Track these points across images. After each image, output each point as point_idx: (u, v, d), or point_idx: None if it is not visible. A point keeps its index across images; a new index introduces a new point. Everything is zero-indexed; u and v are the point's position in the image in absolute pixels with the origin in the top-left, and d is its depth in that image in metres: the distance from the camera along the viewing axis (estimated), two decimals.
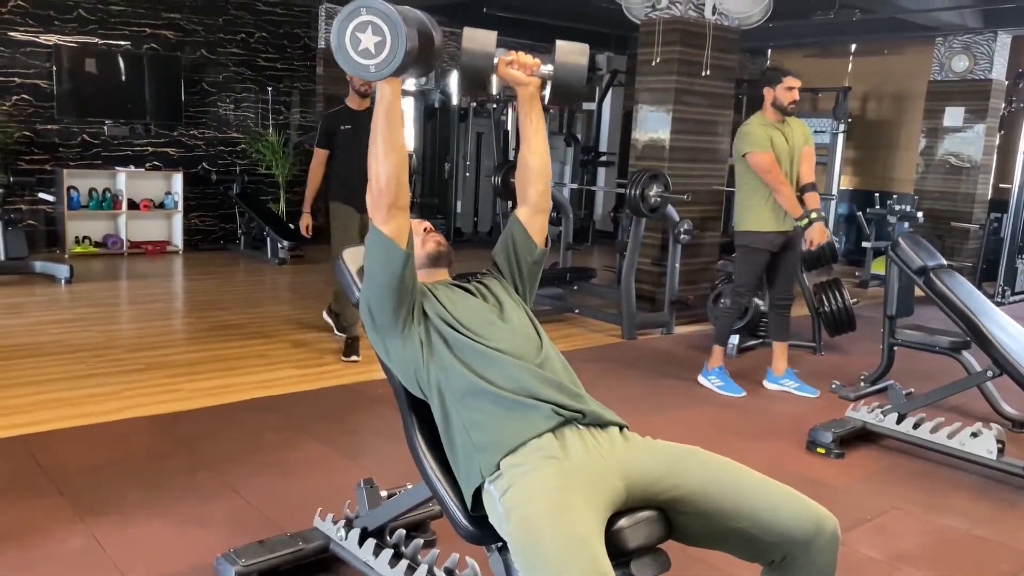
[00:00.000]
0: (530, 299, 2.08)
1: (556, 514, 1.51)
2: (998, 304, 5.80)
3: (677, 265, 5.74)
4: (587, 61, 2.00)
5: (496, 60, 1.95)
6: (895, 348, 4.33)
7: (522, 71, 1.97)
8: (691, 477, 1.67)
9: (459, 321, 1.83)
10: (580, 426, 1.72)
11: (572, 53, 1.97)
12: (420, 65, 1.73)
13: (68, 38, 7.44)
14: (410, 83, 9.66)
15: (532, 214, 2.06)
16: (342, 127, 4.75)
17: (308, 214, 4.94)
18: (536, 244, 2.07)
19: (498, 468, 1.64)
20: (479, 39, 1.91)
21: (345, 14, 1.58)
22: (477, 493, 1.69)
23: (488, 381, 1.73)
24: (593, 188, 10.66)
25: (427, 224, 2.09)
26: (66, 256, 7.38)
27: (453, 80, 10.22)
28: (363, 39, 1.57)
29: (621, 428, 1.79)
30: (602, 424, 1.75)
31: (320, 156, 4.82)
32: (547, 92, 2.00)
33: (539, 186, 2.05)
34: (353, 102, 4.82)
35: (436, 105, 9.89)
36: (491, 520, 1.65)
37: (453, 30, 9.98)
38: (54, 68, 7.35)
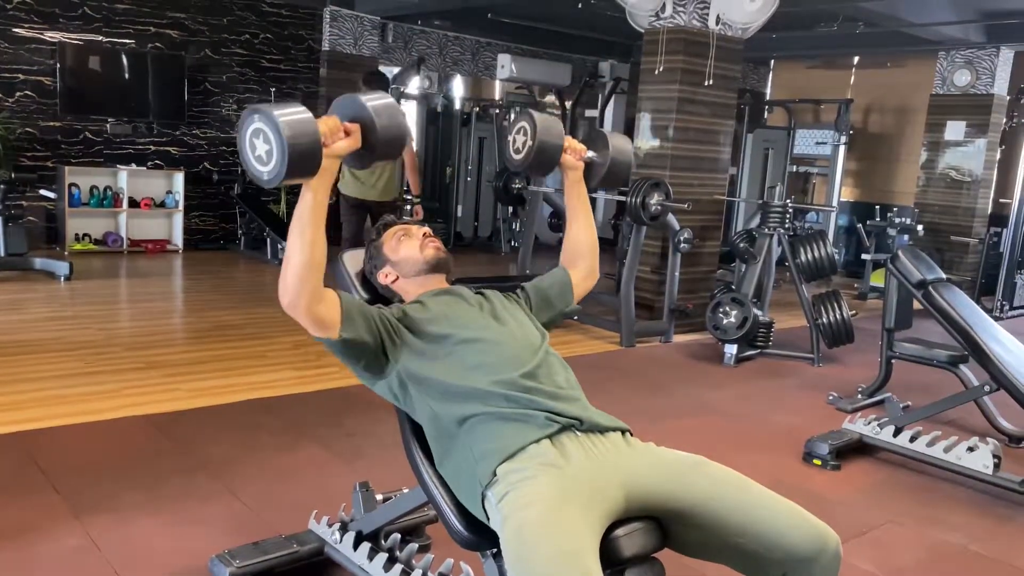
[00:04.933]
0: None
1: (549, 526, 1.50)
2: (996, 319, 5.79)
3: (676, 274, 5.75)
4: (632, 151, 2.18)
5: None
6: (893, 361, 4.33)
7: (573, 156, 2.07)
8: (695, 489, 1.64)
9: (440, 347, 1.79)
10: (579, 433, 1.70)
11: (623, 147, 2.14)
12: (359, 159, 1.71)
13: (72, 35, 7.45)
14: (413, 86, 9.69)
15: (582, 280, 2.16)
16: None
17: None
18: (574, 300, 2.15)
19: (495, 474, 1.63)
20: (554, 130, 2.02)
21: (243, 118, 1.58)
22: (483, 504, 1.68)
23: (477, 407, 1.70)
24: (594, 195, 10.65)
25: (426, 229, 2.09)
26: (66, 253, 7.38)
27: (456, 84, 10.24)
28: (258, 145, 1.56)
29: (624, 433, 1.77)
30: (601, 430, 1.74)
31: None
32: (596, 177, 2.14)
33: (591, 261, 2.16)
34: None
35: (439, 109, 9.91)
36: (492, 525, 1.65)
37: (458, 35, 10.03)
38: (58, 65, 7.36)
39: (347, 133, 1.65)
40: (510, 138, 2.08)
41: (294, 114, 1.53)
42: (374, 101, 1.68)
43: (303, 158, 1.53)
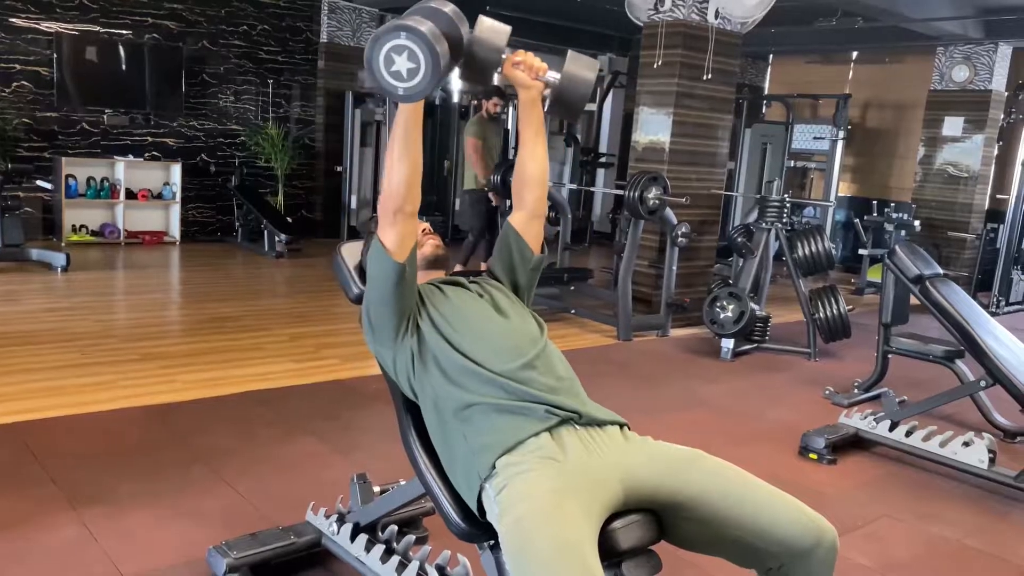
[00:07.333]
0: (528, 304, 2.07)
1: (549, 518, 1.50)
2: (993, 314, 5.81)
3: (674, 268, 5.75)
4: (595, 77, 1.90)
5: (504, 56, 1.85)
6: (889, 356, 4.34)
7: (528, 73, 1.88)
8: (692, 482, 1.65)
9: (451, 324, 1.81)
10: (577, 426, 1.70)
11: (582, 66, 1.88)
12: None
13: (69, 26, 7.42)
14: None
15: (528, 220, 2.03)
16: None
17: None
18: (533, 251, 2.04)
19: (494, 467, 1.63)
20: (494, 31, 1.81)
21: (384, 32, 1.53)
22: (479, 497, 1.68)
23: (479, 393, 1.71)
24: (592, 189, 10.66)
25: (426, 226, 2.09)
26: (63, 244, 7.36)
27: (455, 77, 10.21)
28: (397, 62, 1.54)
29: (622, 427, 1.78)
30: (600, 424, 1.74)
31: None
32: (547, 100, 1.92)
33: (537, 192, 2.01)
34: None
35: (436, 102, 9.88)
36: (489, 518, 1.65)
37: None
38: (55, 56, 7.33)
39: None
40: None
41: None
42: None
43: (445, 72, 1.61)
